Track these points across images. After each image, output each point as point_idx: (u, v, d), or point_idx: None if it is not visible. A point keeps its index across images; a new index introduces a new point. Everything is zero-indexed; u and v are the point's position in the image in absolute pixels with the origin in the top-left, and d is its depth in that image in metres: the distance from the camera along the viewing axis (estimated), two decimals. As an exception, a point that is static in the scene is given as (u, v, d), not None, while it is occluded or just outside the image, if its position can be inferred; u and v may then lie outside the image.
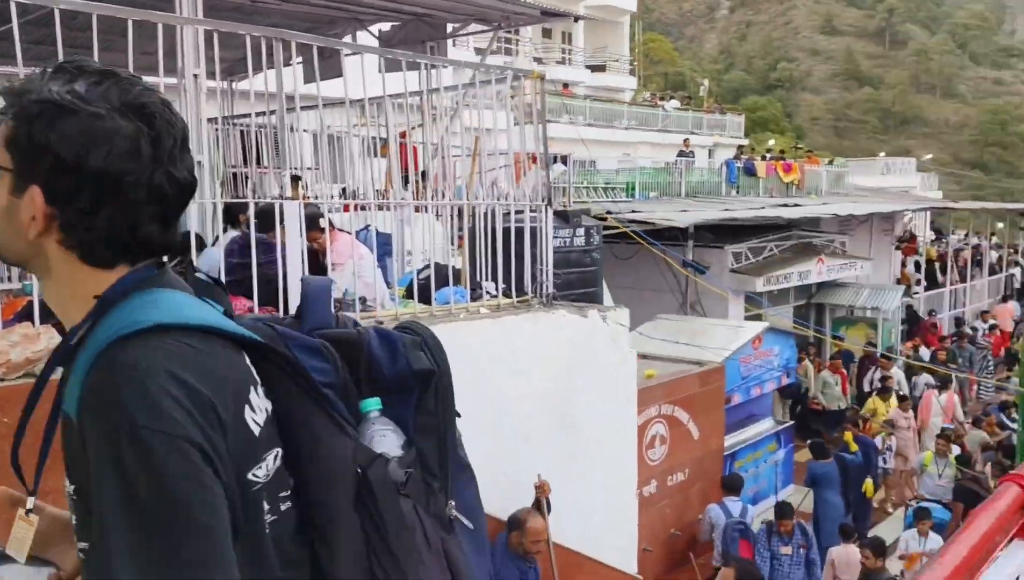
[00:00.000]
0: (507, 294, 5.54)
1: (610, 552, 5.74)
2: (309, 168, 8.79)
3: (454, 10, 8.91)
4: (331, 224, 4.94)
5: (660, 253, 12.41)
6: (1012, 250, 28.08)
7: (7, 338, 3.38)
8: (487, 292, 5.46)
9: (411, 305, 4.98)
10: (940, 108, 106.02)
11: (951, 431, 11.05)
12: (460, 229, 6.17)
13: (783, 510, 8.15)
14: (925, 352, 16.76)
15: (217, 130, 7.58)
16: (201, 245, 5.32)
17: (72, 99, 0.99)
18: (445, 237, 7.85)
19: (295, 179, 6.93)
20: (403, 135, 6.66)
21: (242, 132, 8.64)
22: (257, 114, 8.35)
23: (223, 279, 4.12)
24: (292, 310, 4.14)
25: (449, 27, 9.62)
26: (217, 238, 5.44)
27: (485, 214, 5.62)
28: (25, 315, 3.71)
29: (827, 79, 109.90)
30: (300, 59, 5.97)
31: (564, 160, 14.39)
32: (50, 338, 3.37)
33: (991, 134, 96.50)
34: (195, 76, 6.08)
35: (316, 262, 5.33)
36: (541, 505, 5.01)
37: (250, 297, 4.27)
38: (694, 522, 8.67)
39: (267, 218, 4.48)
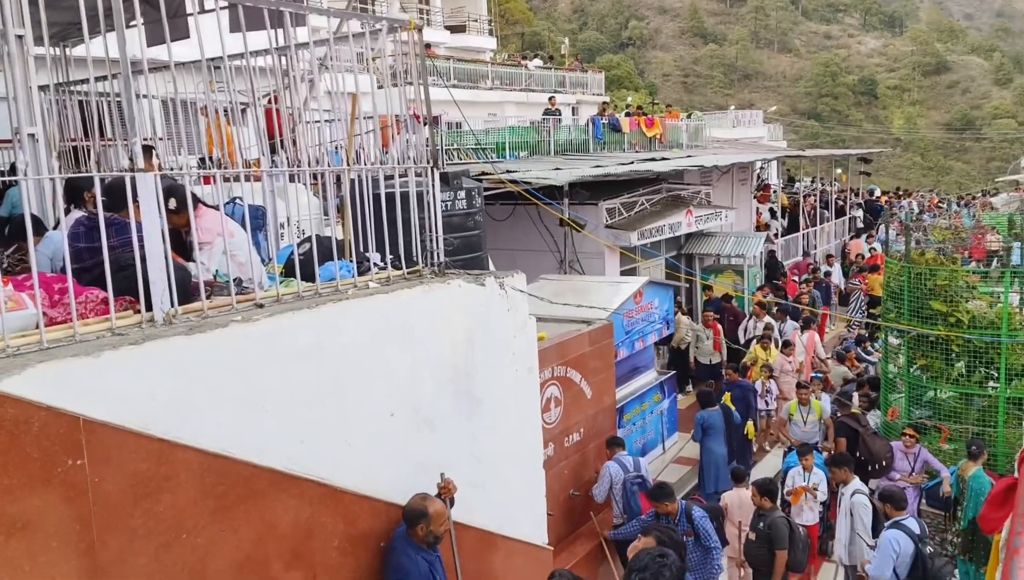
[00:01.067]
0: (395, 266, 5.14)
1: (522, 526, 5.53)
2: (160, 138, 7.99)
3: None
4: (196, 198, 4.37)
5: (557, 213, 12.29)
6: (854, 193, 29.94)
7: None
8: (374, 264, 5.04)
9: (293, 284, 4.51)
10: (778, 62, 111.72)
11: (810, 383, 11.57)
12: (335, 198, 5.70)
13: (659, 493, 7.37)
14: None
15: (51, 101, 6.68)
16: (41, 229, 4.63)
17: None
18: (319, 207, 7.32)
19: (147, 149, 6.19)
20: (274, 100, 6.07)
21: (81, 102, 7.70)
22: (97, 79, 7.45)
23: (70, 267, 3.52)
24: (154, 299, 3.60)
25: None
26: (59, 221, 4.74)
27: (363, 181, 5.18)
28: None
29: (675, 36, 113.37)
30: (141, 21, 5.28)
31: (435, 121, 13.94)
32: None
33: (823, 85, 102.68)
34: (19, 37, 5.28)
35: (179, 242, 4.75)
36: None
37: (102, 286, 3.68)
38: (592, 480, 8.63)
39: (118, 194, 3.88)
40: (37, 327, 3.37)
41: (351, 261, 5.01)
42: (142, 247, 3.69)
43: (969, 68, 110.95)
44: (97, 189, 3.56)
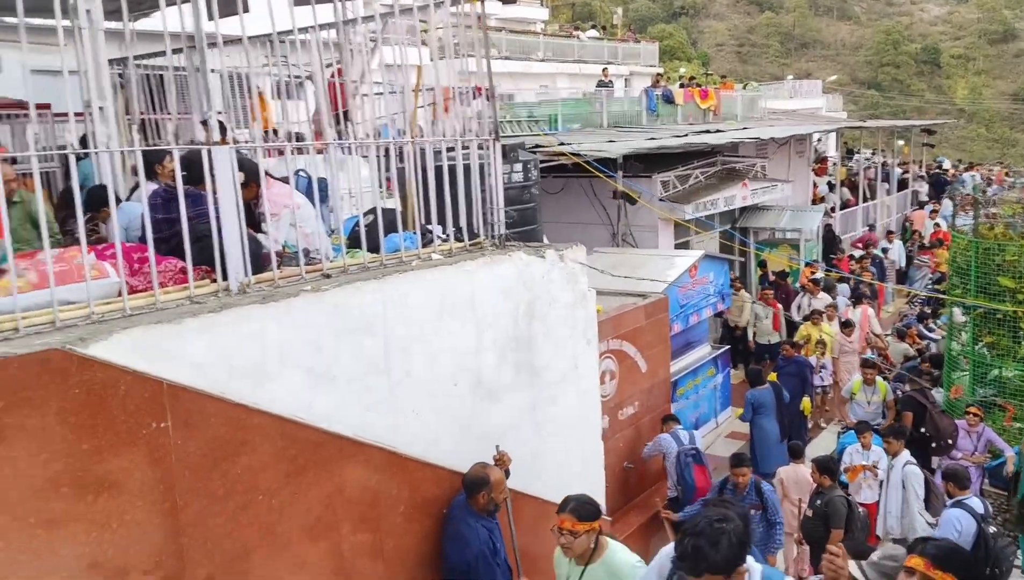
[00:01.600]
0: (457, 238, 5.18)
1: (579, 497, 5.58)
2: (220, 112, 8.16)
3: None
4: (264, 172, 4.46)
5: (613, 183, 12.22)
6: (917, 165, 29.08)
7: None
8: (437, 236, 5.09)
9: (359, 254, 4.58)
10: (837, 30, 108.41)
11: (874, 360, 11.33)
12: (389, 170, 5.74)
13: (738, 459, 7.58)
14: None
15: (120, 75, 6.85)
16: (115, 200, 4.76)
17: None
18: (373, 180, 7.40)
19: (203, 123, 6.32)
20: (337, 73, 6.13)
21: (147, 76, 7.88)
22: (160, 54, 7.60)
23: (151, 236, 3.63)
24: (230, 269, 3.70)
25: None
26: (133, 191, 4.89)
27: (423, 153, 5.22)
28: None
29: (729, 5, 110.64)
30: None
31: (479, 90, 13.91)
32: None
33: (885, 54, 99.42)
34: (88, 12, 5.41)
35: (248, 213, 4.85)
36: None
37: (180, 256, 3.80)
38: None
39: (194, 167, 3.98)
40: (119, 295, 3.49)
41: (414, 233, 5.07)
42: (217, 218, 3.80)
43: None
44: (176, 162, 3.65)
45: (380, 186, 6.61)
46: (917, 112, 75.64)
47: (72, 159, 3.22)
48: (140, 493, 3.09)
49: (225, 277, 3.81)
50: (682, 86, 21.90)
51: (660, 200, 14.07)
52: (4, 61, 9.59)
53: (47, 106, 7.67)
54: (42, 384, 2.80)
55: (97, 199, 4.60)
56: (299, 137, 6.17)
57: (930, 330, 14.62)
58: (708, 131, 17.40)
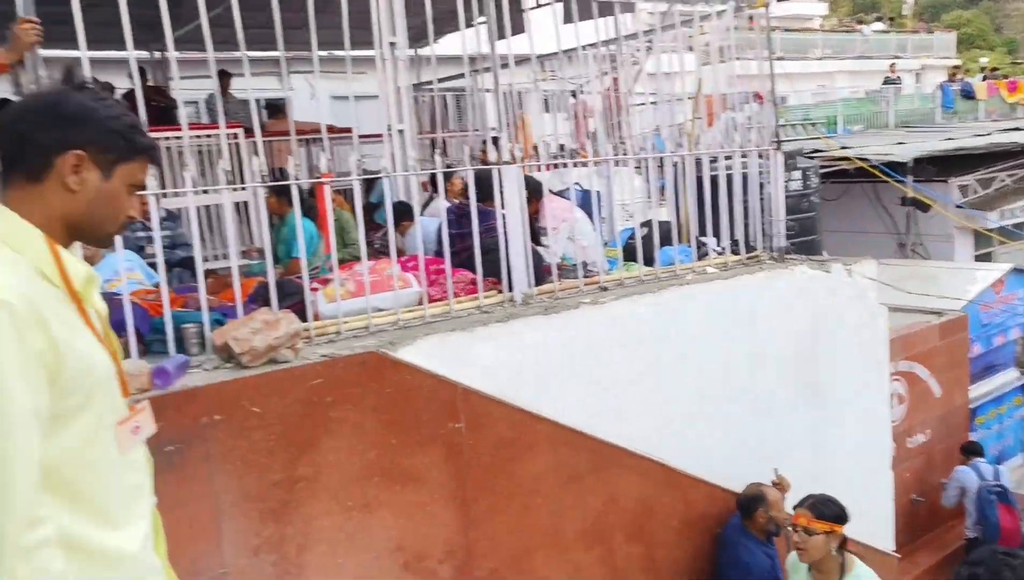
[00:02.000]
0: (732, 250, 5.05)
1: (865, 527, 5.18)
2: (493, 128, 8.67)
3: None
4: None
5: (903, 189, 11.27)
6: None
7: (248, 325, 3.35)
8: (712, 249, 5.00)
9: (634, 268, 4.63)
10: None
11: None
12: (660, 180, 5.72)
13: None
14: None
15: (415, 98, 7.53)
16: (411, 215, 5.23)
17: None
18: (643, 191, 7.43)
19: (495, 141, 6.73)
20: (614, 83, 6.27)
21: (432, 97, 8.59)
22: (447, 78, 8.22)
23: (448, 250, 3.94)
24: (515, 281, 3.90)
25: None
26: (425, 206, 5.33)
27: (698, 163, 5.14)
28: (258, 298, 3.70)
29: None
30: (483, 19, 5.72)
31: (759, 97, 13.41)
32: (290, 323, 3.32)
33: None
34: (392, 44, 5.99)
35: (530, 227, 5.10)
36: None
37: (470, 269, 4.08)
38: (939, 487, 7.82)
39: (484, 184, 4.26)
40: (420, 303, 3.82)
41: (688, 245, 5.02)
42: (503, 233, 4.03)
43: None
44: (471, 182, 3.94)
45: (648, 197, 6.65)
46: None
47: (386, 182, 3.59)
48: (438, 486, 3.36)
49: (511, 288, 4.03)
50: (984, 79, 19.54)
51: (957, 206, 12.67)
52: (315, 90, 10.93)
53: (349, 130, 8.62)
54: (361, 382, 3.15)
55: (399, 214, 5.08)
56: (573, 152, 6.37)
57: None
58: (1018, 128, 15.37)
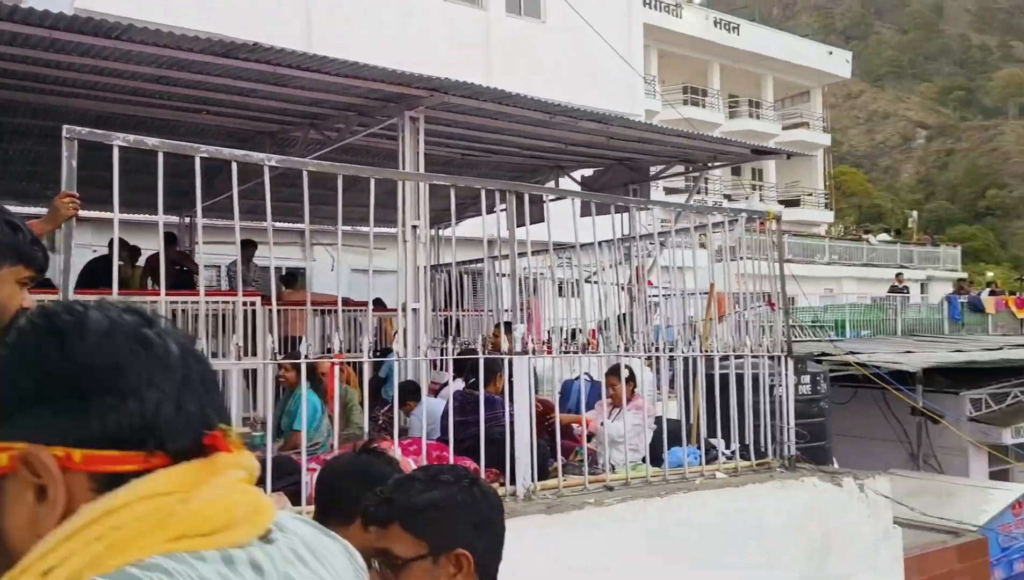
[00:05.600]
0: (742, 455, 4.93)
1: None
2: (507, 310, 8.79)
3: (658, 153, 8.78)
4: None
5: (911, 400, 11.19)
6: None
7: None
8: (721, 453, 4.88)
9: (641, 468, 4.50)
10: None
11: None
12: (668, 373, 5.70)
13: None
14: None
15: (432, 276, 7.69)
16: (417, 395, 5.18)
17: None
18: (653, 384, 7.39)
19: (507, 326, 6.80)
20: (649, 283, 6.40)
21: (448, 275, 8.80)
22: (465, 262, 8.43)
23: (452, 437, 3.85)
24: (518, 474, 3.78)
25: (651, 169, 9.51)
26: (443, 387, 5.29)
27: (709, 362, 5.13)
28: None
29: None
30: (503, 207, 5.94)
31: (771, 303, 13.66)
32: (280, 508, 3.19)
33: None
34: (415, 227, 6.19)
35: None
36: None
37: (472, 456, 3.97)
38: None
39: (491, 371, 4.24)
40: (418, 490, 3.69)
41: (697, 447, 4.91)
42: (509, 423, 3.96)
43: None
44: (481, 369, 3.91)
45: (657, 389, 6.59)
46: None
47: (396, 365, 3.57)
48: None
49: (513, 481, 3.90)
50: (992, 293, 19.92)
51: (969, 420, 12.50)
52: (334, 262, 11.25)
53: (377, 302, 8.77)
54: None
55: (405, 393, 5.04)
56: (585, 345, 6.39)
57: None
58: (1028, 345, 15.46)
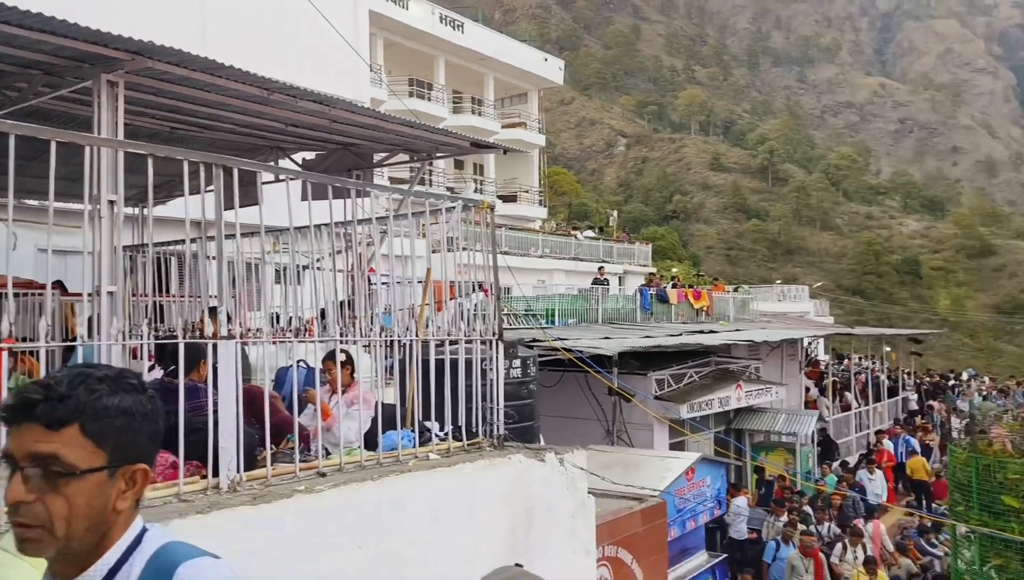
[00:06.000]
0: (454, 436, 5.09)
1: None
2: (213, 296, 8.32)
3: (382, 140, 8.77)
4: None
5: (608, 382, 12.20)
6: (906, 374, 29.34)
7: None
8: (435, 435, 5.00)
9: (355, 452, 4.46)
10: (820, 239, 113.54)
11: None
12: (387, 361, 5.74)
13: None
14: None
15: (131, 257, 7.03)
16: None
17: None
18: (371, 371, 7.39)
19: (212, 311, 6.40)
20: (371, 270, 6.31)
21: (157, 259, 8.10)
22: (168, 243, 7.82)
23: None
24: (222, 466, 3.58)
25: (375, 157, 9.47)
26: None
27: (425, 347, 5.24)
28: None
29: (718, 211, 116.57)
30: (211, 188, 5.60)
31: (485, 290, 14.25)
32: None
33: (867, 264, 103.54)
34: (111, 202, 5.61)
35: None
36: None
37: (173, 449, 3.69)
38: (641, 676, 8.04)
39: (196, 357, 3.97)
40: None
41: (412, 430, 4.98)
42: (213, 412, 3.73)
43: (1016, 252, 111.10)
44: (181, 356, 3.64)
45: (376, 375, 6.61)
46: (901, 320, 77.52)
47: (80, 350, 3.21)
48: None
49: (216, 473, 3.68)
50: (675, 286, 22.51)
51: (655, 398, 14.03)
52: (19, 240, 9.88)
53: (57, 285, 7.80)
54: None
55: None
56: (299, 329, 6.22)
57: (932, 545, 14.13)
58: (702, 331, 17.68)
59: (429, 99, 29.71)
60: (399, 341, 5.28)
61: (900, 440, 20.19)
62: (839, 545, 12.43)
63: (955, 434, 22.70)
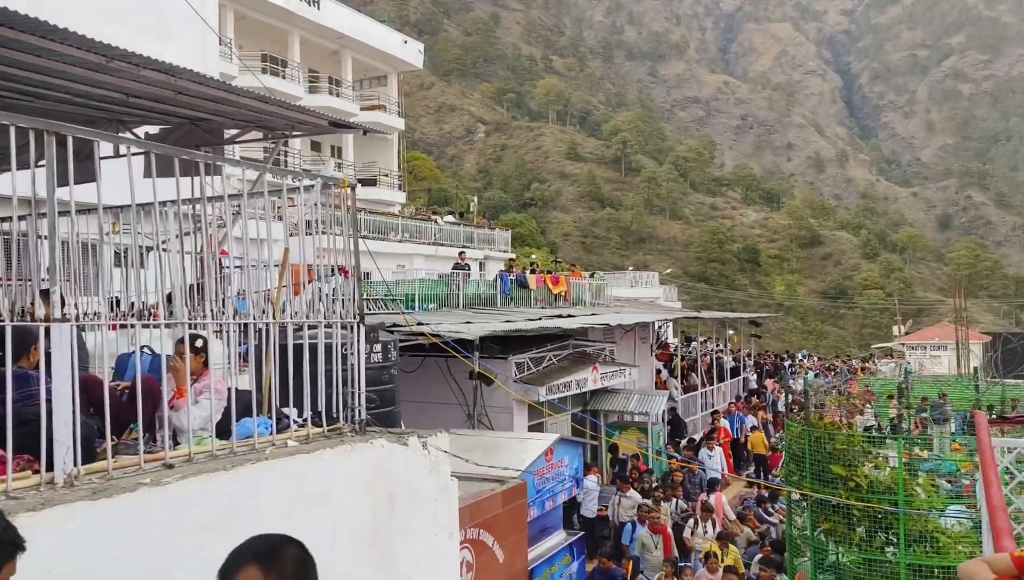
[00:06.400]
0: (314, 422, 4.93)
1: None
2: (45, 278, 7.68)
3: (234, 116, 8.35)
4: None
5: (472, 365, 12.19)
6: (747, 356, 31.26)
7: None
8: (293, 421, 4.83)
9: (206, 441, 4.24)
10: (669, 228, 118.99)
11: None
12: (242, 346, 5.50)
13: None
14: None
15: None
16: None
17: None
18: (224, 357, 7.06)
19: (44, 293, 5.89)
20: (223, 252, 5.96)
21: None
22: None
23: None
24: (56, 459, 3.30)
25: (227, 134, 9.02)
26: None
27: (283, 332, 5.04)
28: None
29: (574, 200, 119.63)
30: (43, 163, 5.16)
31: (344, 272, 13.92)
32: None
33: (712, 252, 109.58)
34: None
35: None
36: None
37: (3, 443, 3.36)
38: (501, 654, 8.15)
39: (25, 343, 3.63)
40: (-83, 489, 3.01)
41: (269, 417, 4.78)
42: (47, 401, 3.42)
43: (840, 242, 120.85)
44: (8, 338, 3.31)
45: (229, 362, 6.31)
46: (742, 304, 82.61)
47: None
48: None
49: (51, 467, 3.39)
50: (533, 271, 22.90)
51: (515, 381, 14.23)
52: None
53: None
54: None
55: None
56: (144, 312, 5.85)
57: (768, 514, 15.14)
58: (560, 315, 18.08)
59: (283, 76, 28.64)
60: (254, 325, 5.05)
61: (735, 418, 21.60)
62: (691, 520, 13.08)
63: (782, 410, 24.48)
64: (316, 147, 31.20)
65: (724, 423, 20.65)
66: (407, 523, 4.98)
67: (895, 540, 9.62)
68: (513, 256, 30.41)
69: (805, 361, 35.71)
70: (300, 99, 26.80)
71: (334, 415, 5.15)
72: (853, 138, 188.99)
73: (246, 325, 5.34)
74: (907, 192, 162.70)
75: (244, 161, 5.20)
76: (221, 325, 5.12)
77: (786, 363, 34.49)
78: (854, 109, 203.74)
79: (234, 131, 9.02)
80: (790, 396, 26.73)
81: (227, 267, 7.83)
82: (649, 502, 13.22)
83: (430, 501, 5.20)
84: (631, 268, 52.97)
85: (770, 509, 15.37)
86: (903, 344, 49.30)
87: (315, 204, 5.22)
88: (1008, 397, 12.99)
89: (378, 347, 7.98)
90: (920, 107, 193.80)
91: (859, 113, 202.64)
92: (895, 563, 9.61)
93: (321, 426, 4.90)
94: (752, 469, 20.18)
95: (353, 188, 5.21)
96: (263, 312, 5.22)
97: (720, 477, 16.06)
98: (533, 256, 39.75)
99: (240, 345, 5.46)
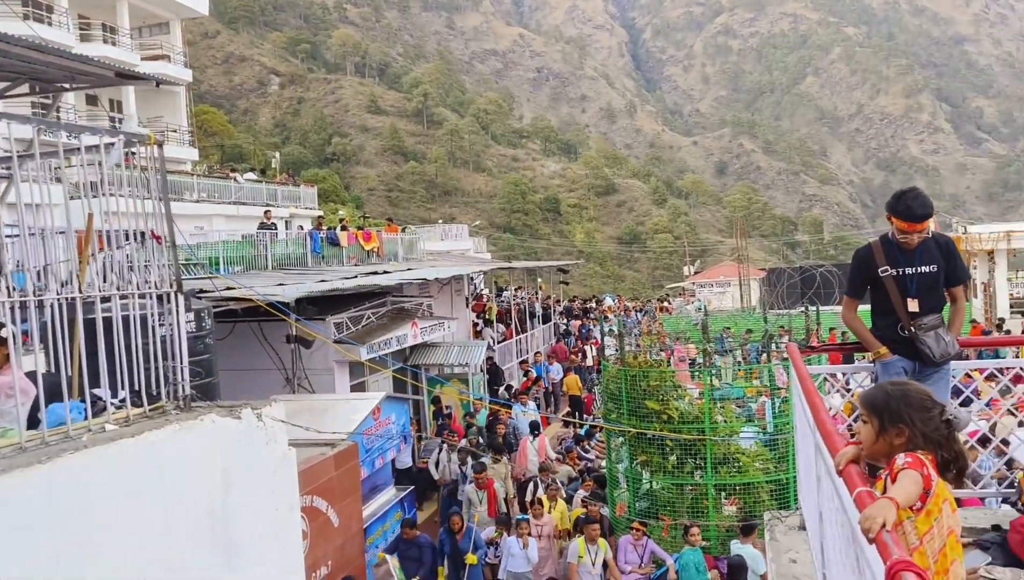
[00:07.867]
0: (133, 403, 4.54)
1: None
2: None
3: (2, 65, 7.37)
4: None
5: (298, 326, 11.69)
6: (556, 302, 32.49)
7: None
8: (109, 403, 4.41)
9: (11, 433, 3.77)
10: (474, 180, 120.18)
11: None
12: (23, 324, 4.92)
13: None
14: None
15: None
16: None
17: None
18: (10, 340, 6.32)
19: None
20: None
21: None
22: None
23: None
24: None
25: (-7, 83, 7.94)
26: None
27: (88, 307, 4.57)
28: None
29: (377, 153, 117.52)
30: None
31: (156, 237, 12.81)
32: None
33: (515, 202, 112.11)
34: None
35: None
36: None
37: None
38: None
39: None
40: None
41: (82, 401, 4.34)
42: None
43: (632, 190, 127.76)
44: None
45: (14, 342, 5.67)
46: (546, 253, 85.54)
47: None
48: None
49: None
50: (343, 228, 22.33)
51: (335, 342, 13.90)
52: None
53: None
54: None
55: None
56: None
57: (586, 451, 15.98)
58: (376, 272, 17.80)
59: (50, 23, 25.64)
60: (34, 301, 4.52)
61: (542, 367, 22.52)
62: (537, 489, 12.84)
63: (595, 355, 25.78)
64: (92, 101, 28.33)
65: (533, 372, 21.43)
66: (245, 500, 4.74)
67: (703, 464, 10.49)
68: (321, 213, 29.46)
69: (614, 303, 37.65)
70: (72, 48, 24.14)
71: (154, 392, 4.77)
72: (640, 90, 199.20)
73: (24, 302, 4.76)
74: (689, 141, 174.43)
75: (34, 118, 4.59)
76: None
77: (592, 307, 36.18)
78: (640, 62, 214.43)
79: (5, 84, 7.98)
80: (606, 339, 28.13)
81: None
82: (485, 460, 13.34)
83: (268, 475, 4.98)
84: (440, 221, 53.11)
85: (587, 447, 16.20)
86: (693, 283, 53.34)
87: (116, 164, 4.72)
88: (793, 326, 14.47)
89: (191, 316, 7.47)
90: (697, 61, 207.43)
91: (644, 66, 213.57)
92: (703, 484, 10.50)
93: (141, 406, 4.52)
94: (568, 410, 21.17)
95: (161, 145, 4.76)
96: (63, 285, 4.68)
97: (539, 422, 16.68)
98: (341, 212, 38.72)
99: (23, 322, 4.88)
